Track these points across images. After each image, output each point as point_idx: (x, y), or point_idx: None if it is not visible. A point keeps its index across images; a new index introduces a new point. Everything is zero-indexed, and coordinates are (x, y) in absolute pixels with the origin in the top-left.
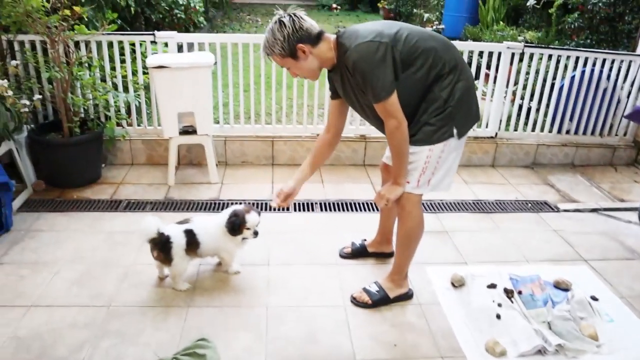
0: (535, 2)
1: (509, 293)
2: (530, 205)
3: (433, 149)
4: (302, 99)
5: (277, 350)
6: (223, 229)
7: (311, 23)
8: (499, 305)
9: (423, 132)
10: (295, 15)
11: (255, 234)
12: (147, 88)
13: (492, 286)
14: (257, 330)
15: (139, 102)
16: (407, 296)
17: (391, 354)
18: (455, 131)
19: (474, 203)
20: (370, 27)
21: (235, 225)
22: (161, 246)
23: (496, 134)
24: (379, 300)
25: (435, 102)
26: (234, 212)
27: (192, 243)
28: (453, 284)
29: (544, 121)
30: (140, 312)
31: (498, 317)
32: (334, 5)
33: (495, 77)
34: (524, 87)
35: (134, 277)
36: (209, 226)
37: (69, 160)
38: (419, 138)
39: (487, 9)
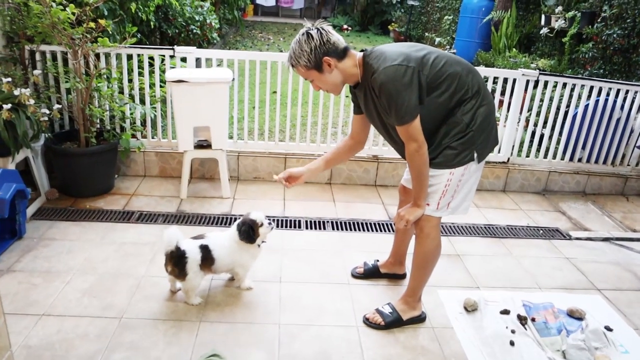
0: (548, 30)
1: (522, 320)
2: (542, 231)
3: (454, 172)
4: (316, 117)
5: None
6: (238, 242)
7: (338, 37)
8: (513, 331)
9: (444, 155)
10: (322, 29)
11: (270, 224)
12: (163, 101)
13: (506, 312)
14: (269, 347)
15: (155, 115)
16: (420, 319)
17: None
18: (475, 155)
19: (485, 227)
20: (398, 50)
21: (250, 231)
22: (176, 261)
23: (508, 159)
24: (392, 322)
25: (457, 125)
26: (240, 222)
27: (208, 259)
28: (466, 309)
29: (556, 148)
30: (152, 325)
31: (512, 344)
32: (345, 26)
33: (510, 103)
34: (538, 114)
35: (146, 289)
36: (224, 242)
37: (83, 170)
38: (440, 161)
39: (499, 35)
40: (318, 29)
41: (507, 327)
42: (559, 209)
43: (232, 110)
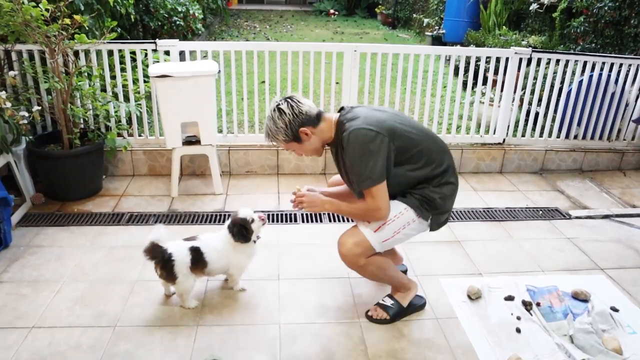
0: (538, 6)
1: (527, 305)
2: (541, 212)
3: (408, 210)
4: None
5: None
6: (232, 243)
7: (309, 105)
8: (518, 318)
9: (408, 197)
10: (292, 100)
11: (263, 221)
12: (148, 97)
13: (510, 298)
14: (270, 349)
15: (140, 112)
16: (420, 303)
17: None
18: (430, 219)
19: (484, 211)
20: (375, 114)
21: (243, 231)
22: (163, 264)
23: (504, 140)
24: (396, 314)
25: (424, 193)
26: (230, 223)
27: (199, 262)
28: (469, 297)
29: (551, 126)
30: (148, 332)
31: (518, 331)
32: (332, 11)
33: (503, 83)
34: (532, 93)
35: (140, 294)
36: (217, 244)
37: (69, 173)
38: (401, 198)
39: (488, 13)
40: (287, 101)
41: (512, 314)
42: (557, 188)
43: (220, 102)
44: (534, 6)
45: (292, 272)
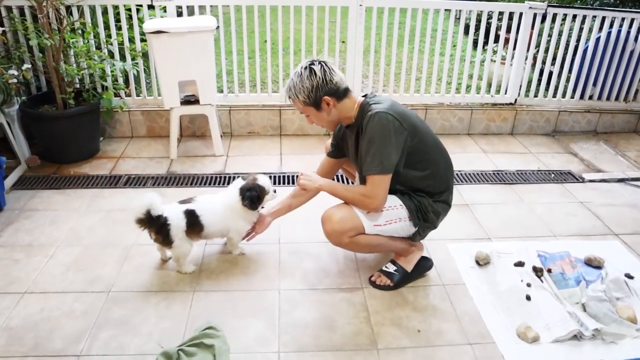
0: None
1: (538, 271)
2: (553, 175)
3: (402, 208)
4: None
5: (292, 339)
6: (233, 208)
7: (340, 77)
8: (528, 285)
9: (407, 196)
10: (326, 65)
11: (275, 192)
12: (145, 56)
13: (520, 264)
14: (269, 316)
15: (137, 71)
16: (427, 264)
17: (415, 341)
18: (418, 228)
19: (494, 173)
20: (400, 107)
21: (255, 199)
22: (158, 228)
23: (515, 100)
24: (400, 280)
25: (422, 202)
26: (246, 186)
27: (195, 225)
28: (478, 262)
29: (565, 86)
30: (143, 298)
31: (528, 298)
32: None
33: (516, 40)
34: (546, 51)
35: (135, 259)
36: (215, 206)
37: (64, 134)
38: (399, 195)
39: None
40: (321, 65)
41: (522, 281)
42: (570, 150)
43: (219, 62)
44: None
45: (293, 236)
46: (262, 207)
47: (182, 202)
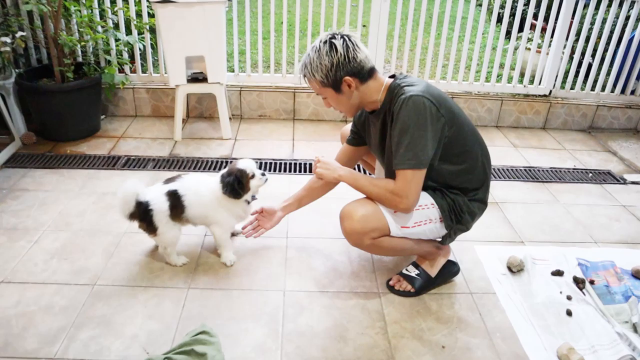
0: None
1: (579, 283)
2: (591, 175)
3: (434, 207)
4: None
5: (296, 350)
6: (219, 195)
7: (366, 54)
8: (569, 298)
9: (439, 193)
10: (349, 39)
11: (263, 175)
12: (153, 32)
13: (558, 273)
14: (271, 321)
15: (144, 46)
16: (453, 269)
17: (439, 358)
18: (450, 230)
19: (526, 170)
20: (435, 89)
21: (236, 184)
22: (141, 215)
23: (550, 91)
24: (422, 286)
25: (457, 200)
26: (223, 174)
27: (177, 206)
28: (510, 269)
29: (605, 79)
30: (130, 293)
31: (569, 313)
32: None
33: (555, 25)
34: (586, 40)
35: (127, 248)
36: (200, 187)
37: (62, 110)
38: (432, 192)
39: None
40: (344, 39)
41: (561, 292)
42: (609, 148)
43: (231, 42)
44: None
45: (302, 230)
46: (255, 198)
47: (167, 181)
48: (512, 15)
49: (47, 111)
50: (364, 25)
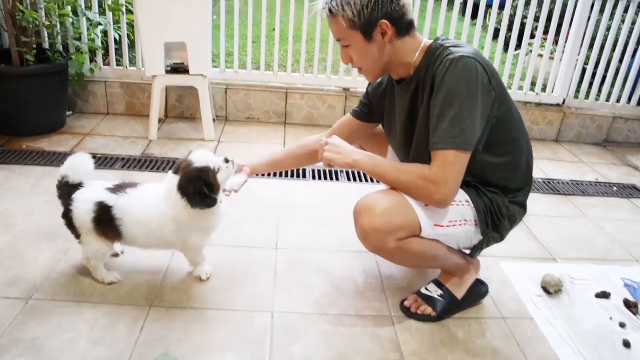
0: None
1: (631, 307)
2: (616, 189)
3: (469, 206)
4: (325, 54)
5: None
6: (178, 218)
7: (408, 2)
8: (622, 325)
9: (474, 190)
10: None
11: (227, 162)
12: (131, 26)
13: (604, 295)
14: (257, 350)
15: (120, 35)
16: (482, 291)
17: None
18: (485, 237)
19: (545, 182)
20: (488, 62)
21: (204, 189)
22: (65, 209)
23: (564, 101)
24: (447, 309)
25: (496, 200)
26: (181, 184)
27: (109, 226)
28: (546, 290)
29: (621, 90)
30: (75, 310)
31: (627, 345)
32: None
33: (569, 28)
34: (602, 47)
35: (79, 255)
36: (149, 210)
37: (20, 99)
38: (471, 190)
39: None
40: None
41: (611, 319)
42: (629, 162)
43: (217, 44)
44: None
45: (295, 240)
46: (226, 193)
47: (115, 187)
48: (523, 24)
49: (3, 100)
50: None
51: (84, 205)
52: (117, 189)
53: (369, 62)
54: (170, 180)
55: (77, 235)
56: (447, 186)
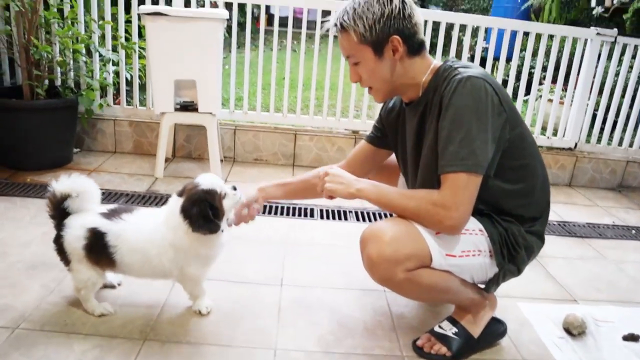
0: (602, 10)
1: None
2: (634, 231)
3: (483, 235)
4: (334, 100)
5: None
6: (177, 243)
7: (421, 22)
8: None
9: (487, 219)
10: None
11: (235, 190)
12: (143, 67)
13: (633, 338)
14: None
15: (131, 75)
16: (499, 330)
17: None
18: (500, 270)
19: (560, 225)
20: (498, 83)
21: (208, 213)
22: (55, 237)
23: (575, 145)
24: (462, 349)
25: (511, 230)
26: (185, 205)
27: (102, 254)
28: (569, 331)
29: (633, 135)
30: (63, 342)
31: None
32: None
33: (578, 73)
34: (612, 91)
35: (71, 285)
36: (146, 236)
37: (27, 133)
38: (479, 216)
39: (541, 22)
40: None
41: None
42: None
43: (227, 89)
44: (598, 10)
45: (301, 277)
46: (229, 224)
47: (110, 212)
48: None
49: (9, 132)
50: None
51: (76, 231)
52: (112, 213)
53: (378, 80)
54: (173, 202)
55: (67, 262)
56: (459, 210)
